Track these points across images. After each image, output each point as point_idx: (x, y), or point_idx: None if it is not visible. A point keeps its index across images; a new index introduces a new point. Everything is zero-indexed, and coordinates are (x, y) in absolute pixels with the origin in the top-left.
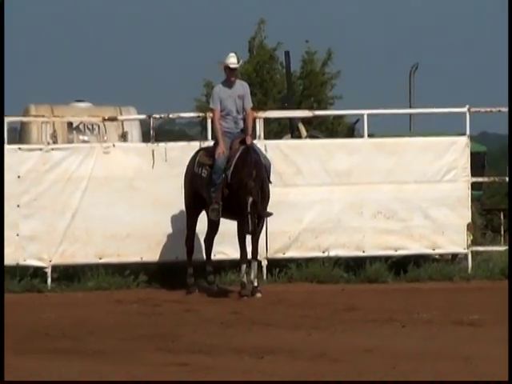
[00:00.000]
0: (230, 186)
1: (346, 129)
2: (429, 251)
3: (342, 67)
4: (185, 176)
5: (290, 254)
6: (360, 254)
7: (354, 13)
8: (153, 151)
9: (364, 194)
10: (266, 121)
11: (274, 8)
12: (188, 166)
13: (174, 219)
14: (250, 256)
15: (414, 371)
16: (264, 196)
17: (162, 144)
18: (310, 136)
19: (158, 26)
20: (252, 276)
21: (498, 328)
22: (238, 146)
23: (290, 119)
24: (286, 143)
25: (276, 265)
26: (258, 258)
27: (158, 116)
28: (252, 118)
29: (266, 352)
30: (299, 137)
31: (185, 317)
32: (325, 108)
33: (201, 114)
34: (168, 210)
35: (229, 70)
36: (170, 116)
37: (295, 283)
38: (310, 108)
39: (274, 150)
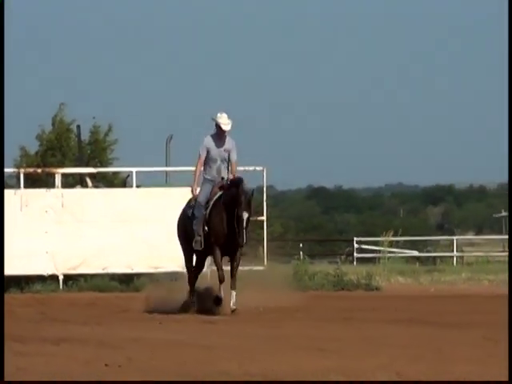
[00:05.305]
0: (208, 224)
1: (121, 181)
2: None
3: (119, 136)
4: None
5: (80, 271)
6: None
7: (124, 95)
8: None
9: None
10: (64, 175)
11: (73, 93)
12: (180, 216)
13: None
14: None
15: (172, 357)
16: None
17: None
18: (94, 186)
19: None
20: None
21: (231, 325)
22: (217, 191)
23: (81, 174)
24: (78, 191)
25: (70, 278)
26: (56, 272)
27: None
28: (235, 169)
29: (63, 340)
30: (87, 187)
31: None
32: (106, 166)
33: (16, 170)
34: None
35: (220, 130)
36: None
37: (83, 292)
38: (95, 166)
39: (69, 196)
